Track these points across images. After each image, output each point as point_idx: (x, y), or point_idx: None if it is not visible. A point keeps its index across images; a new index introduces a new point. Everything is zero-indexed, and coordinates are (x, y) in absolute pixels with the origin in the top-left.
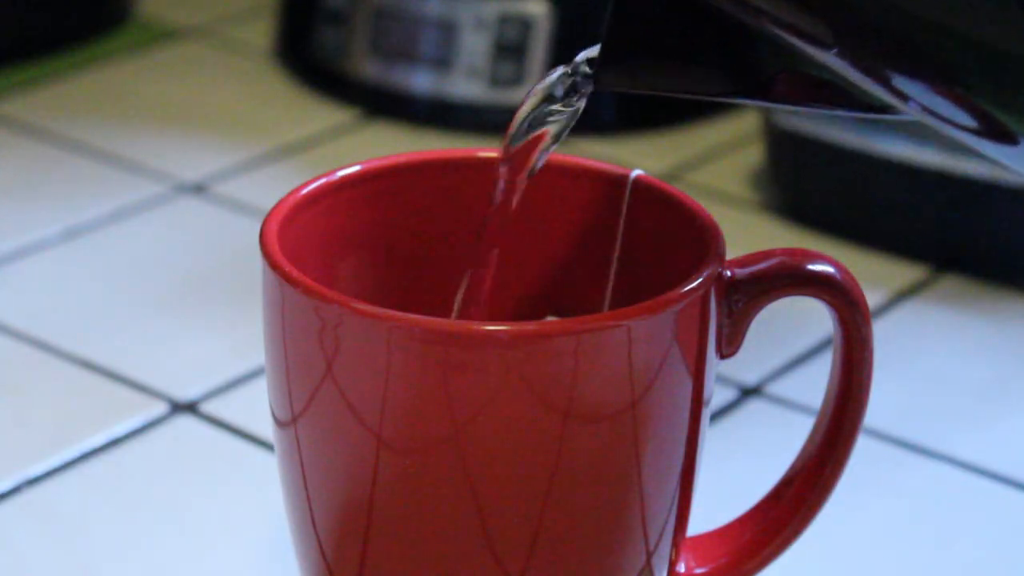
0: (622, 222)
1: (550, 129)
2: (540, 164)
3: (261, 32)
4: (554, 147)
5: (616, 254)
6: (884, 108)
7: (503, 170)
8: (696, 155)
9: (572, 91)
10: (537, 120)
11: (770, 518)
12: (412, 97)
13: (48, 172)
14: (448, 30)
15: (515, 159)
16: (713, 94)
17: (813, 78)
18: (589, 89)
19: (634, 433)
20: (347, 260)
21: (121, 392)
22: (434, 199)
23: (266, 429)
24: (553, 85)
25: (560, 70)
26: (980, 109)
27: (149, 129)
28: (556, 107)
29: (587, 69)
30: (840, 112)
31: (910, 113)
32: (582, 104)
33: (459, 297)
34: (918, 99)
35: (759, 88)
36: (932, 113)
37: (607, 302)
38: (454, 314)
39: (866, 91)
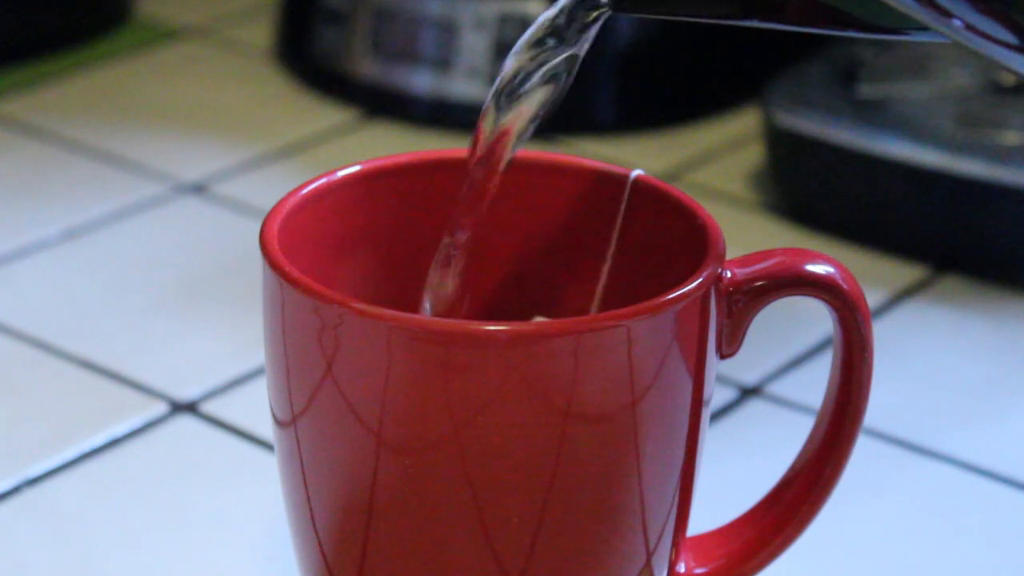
0: (619, 222)
1: (532, 102)
2: (527, 134)
3: (261, 32)
4: (536, 121)
5: (610, 253)
6: (893, 29)
7: (478, 151)
8: (696, 155)
9: (573, 23)
10: (529, 78)
11: (770, 518)
12: (412, 97)
13: (48, 172)
14: (448, 30)
15: (494, 145)
16: (726, 16)
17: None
18: (603, 15)
19: (634, 433)
20: (347, 260)
21: (121, 392)
22: (434, 199)
23: (266, 429)
24: (559, 13)
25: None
26: (1018, 24)
27: (149, 129)
28: (557, 49)
29: None
30: (851, 33)
31: (948, 33)
32: (585, 46)
33: (428, 295)
34: (960, 16)
35: (772, 10)
36: (973, 30)
37: (597, 302)
38: (423, 311)
39: (898, 10)
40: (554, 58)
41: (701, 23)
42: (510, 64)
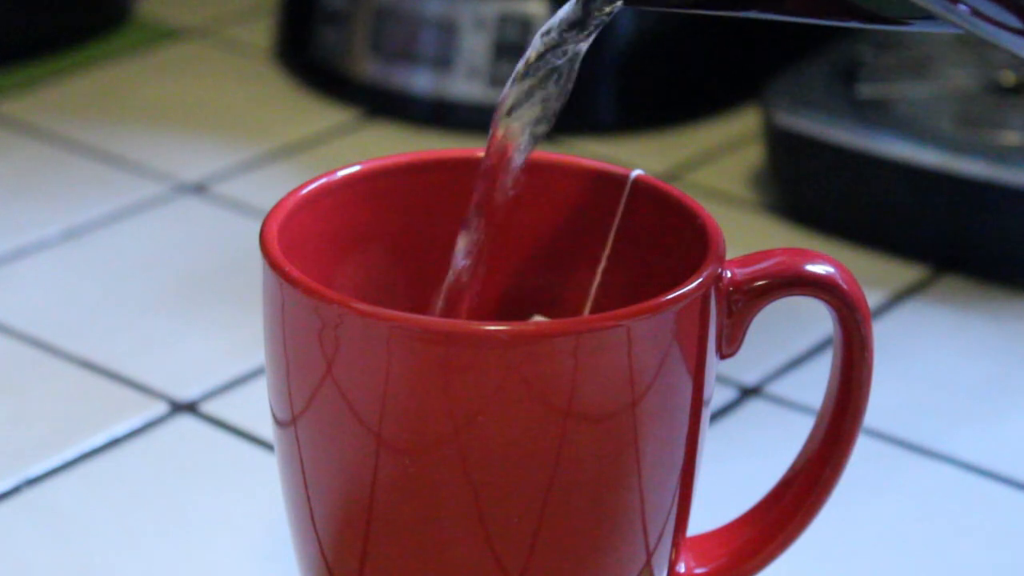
0: (616, 222)
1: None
2: (541, 132)
3: (261, 32)
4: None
5: (606, 253)
6: (897, 19)
7: (493, 145)
8: (696, 155)
9: (587, 19)
10: (540, 69)
11: (770, 518)
12: (412, 97)
13: (48, 172)
14: (448, 30)
15: (504, 141)
16: (730, 8)
17: None
18: (616, 8)
19: (634, 433)
20: (347, 260)
21: (121, 392)
22: (434, 199)
23: (266, 429)
24: (574, 9)
25: None
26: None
27: (149, 129)
28: (569, 45)
29: None
30: (853, 24)
31: (953, 19)
32: (589, 39)
33: (443, 294)
34: (968, 2)
35: (774, 1)
36: (979, 15)
37: (590, 302)
38: (436, 310)
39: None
40: (565, 55)
41: (702, 18)
42: (525, 61)
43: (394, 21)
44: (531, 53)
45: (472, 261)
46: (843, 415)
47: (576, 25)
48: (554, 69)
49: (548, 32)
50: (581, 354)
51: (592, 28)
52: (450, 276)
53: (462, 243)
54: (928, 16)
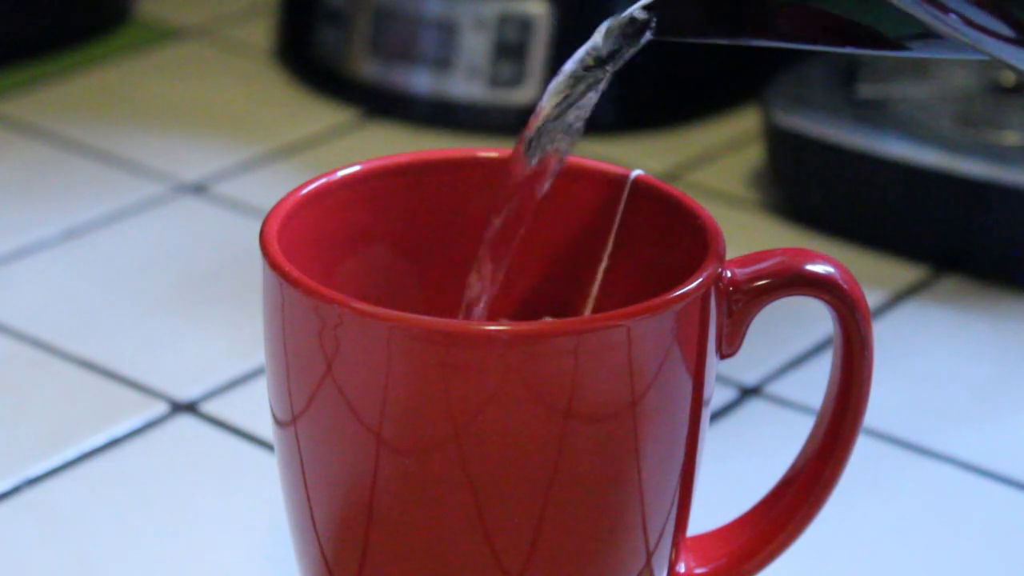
0: (616, 222)
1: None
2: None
3: (261, 32)
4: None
5: (607, 253)
6: (895, 44)
7: (523, 165)
8: (696, 155)
9: (615, 53)
10: (569, 101)
11: (770, 518)
12: (412, 97)
13: (48, 172)
14: (448, 30)
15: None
16: (744, 38)
17: (832, 19)
18: (639, 43)
19: (634, 433)
20: (347, 260)
21: (121, 392)
22: (434, 199)
23: (266, 429)
24: (597, 45)
25: (606, 25)
26: (1015, 17)
27: (149, 129)
28: (597, 73)
29: (643, 16)
30: (853, 50)
31: (944, 30)
32: (608, 76)
33: (469, 299)
34: (958, 11)
35: (791, 34)
36: (972, 25)
37: (591, 302)
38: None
39: (900, 11)
40: (594, 81)
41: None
42: (556, 89)
43: (394, 21)
44: (561, 82)
45: (497, 270)
46: (843, 415)
47: (607, 58)
48: (581, 92)
49: (578, 62)
50: (581, 354)
51: (620, 60)
52: (473, 286)
53: (487, 254)
54: (926, 35)
